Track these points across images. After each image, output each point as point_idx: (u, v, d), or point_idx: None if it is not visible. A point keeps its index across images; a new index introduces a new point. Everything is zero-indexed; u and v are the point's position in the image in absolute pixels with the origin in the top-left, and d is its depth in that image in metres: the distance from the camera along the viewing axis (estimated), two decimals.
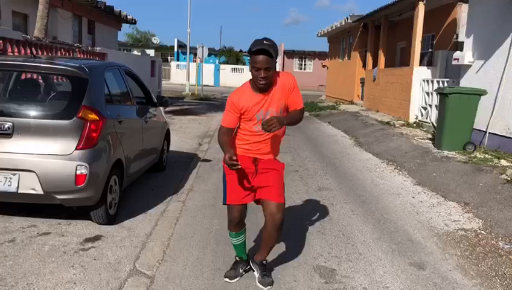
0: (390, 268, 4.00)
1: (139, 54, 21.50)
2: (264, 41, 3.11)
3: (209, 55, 35.85)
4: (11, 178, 4.20)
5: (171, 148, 7.82)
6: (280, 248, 4.23)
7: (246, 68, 42.88)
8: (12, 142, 4.21)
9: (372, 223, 5.17)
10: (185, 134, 11.27)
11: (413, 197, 6.30)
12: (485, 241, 4.70)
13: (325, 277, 3.76)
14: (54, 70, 4.76)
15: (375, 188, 6.76)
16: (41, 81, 5.06)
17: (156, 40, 44.95)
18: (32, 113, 4.38)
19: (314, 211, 5.53)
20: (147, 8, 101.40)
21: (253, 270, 3.64)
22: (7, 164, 4.19)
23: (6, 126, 4.18)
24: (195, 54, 31.34)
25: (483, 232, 4.96)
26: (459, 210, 5.73)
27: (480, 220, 5.30)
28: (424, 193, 6.55)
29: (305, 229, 4.86)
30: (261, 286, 3.50)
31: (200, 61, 28.05)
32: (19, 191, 4.20)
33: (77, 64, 4.67)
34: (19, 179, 4.19)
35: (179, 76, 38.47)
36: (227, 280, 3.57)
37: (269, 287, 3.50)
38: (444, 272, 3.96)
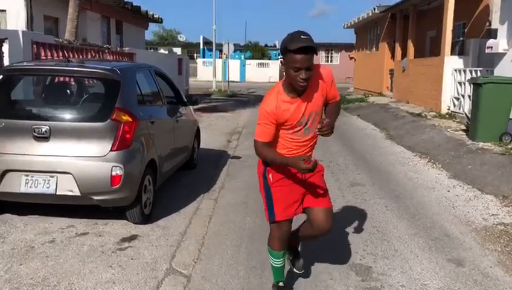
0: (427, 265, 3.92)
1: (167, 52, 21.72)
2: (302, 36, 2.65)
3: (235, 51, 35.86)
4: (49, 180, 4.31)
5: (201, 145, 7.88)
6: (315, 245, 4.20)
7: (272, 62, 42.81)
8: (50, 145, 4.32)
9: (407, 219, 5.08)
10: (214, 131, 11.33)
11: (448, 191, 6.16)
12: None
13: (361, 275, 3.72)
14: (87, 74, 4.86)
15: (408, 183, 6.64)
16: (74, 84, 5.17)
17: (182, 38, 45.39)
18: (68, 116, 4.49)
19: (347, 207, 5.47)
20: (172, 7, 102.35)
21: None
22: (45, 167, 4.30)
23: (43, 130, 4.29)
24: (220, 50, 31.46)
25: None
26: (497, 204, 5.57)
27: None
28: (460, 186, 6.39)
29: (339, 226, 4.80)
30: (296, 271, 3.42)
31: (226, 57, 28.12)
32: (57, 193, 4.31)
33: (109, 67, 4.75)
34: (56, 181, 4.30)
35: (206, 73, 38.68)
36: None
37: (300, 271, 3.42)
38: (485, 269, 3.86)
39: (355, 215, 5.16)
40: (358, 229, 4.72)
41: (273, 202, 3.04)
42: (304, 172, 2.85)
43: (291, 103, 2.84)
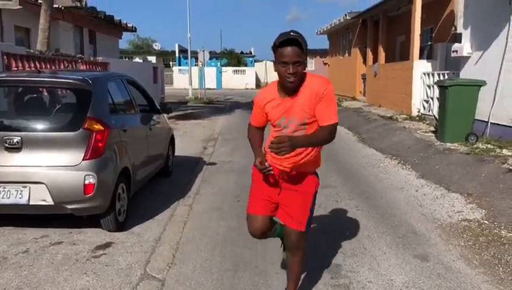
0: (394, 261, 4.08)
1: (141, 61, 21.65)
2: (292, 33, 2.67)
3: (211, 58, 35.98)
4: (22, 191, 4.33)
5: (177, 153, 7.94)
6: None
7: (248, 69, 43.09)
8: (22, 156, 4.34)
9: (376, 218, 5.25)
10: (190, 138, 11.38)
11: (416, 191, 6.38)
12: (488, 230, 4.77)
13: (330, 273, 3.85)
14: (59, 84, 4.90)
15: (379, 184, 6.84)
16: (46, 94, 5.20)
17: (157, 46, 45.20)
18: (40, 126, 4.51)
19: (319, 208, 5.59)
20: (147, 15, 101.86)
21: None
22: (17, 177, 4.32)
23: (15, 140, 4.32)
24: (196, 58, 31.48)
25: (486, 222, 5.03)
26: (462, 201, 5.80)
27: (483, 210, 5.37)
28: (428, 185, 6.62)
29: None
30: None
31: (202, 64, 28.18)
32: (30, 203, 4.33)
33: (80, 77, 4.80)
34: (29, 191, 4.32)
35: (182, 81, 38.62)
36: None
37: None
38: (448, 263, 4.04)
39: (327, 217, 5.32)
40: (329, 229, 4.87)
41: (250, 194, 3.14)
42: (259, 170, 2.87)
43: (277, 100, 2.82)
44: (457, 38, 10.53)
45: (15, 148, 4.33)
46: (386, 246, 4.42)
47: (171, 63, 44.55)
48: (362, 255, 4.22)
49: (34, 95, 5.14)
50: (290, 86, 2.72)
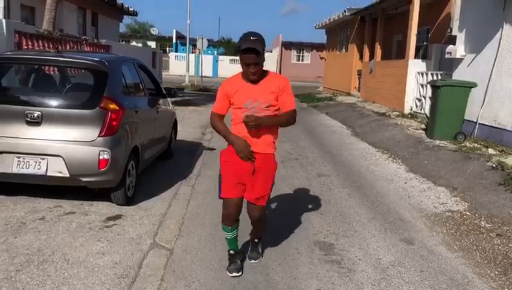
0: (382, 243, 4.47)
1: (140, 45, 21.79)
2: (251, 38, 3.22)
3: (208, 46, 36.14)
4: (40, 162, 4.64)
5: (177, 138, 8.25)
6: (284, 226, 4.71)
7: None
8: (41, 130, 4.64)
9: (367, 206, 5.64)
10: (188, 124, 11.69)
11: (405, 183, 6.77)
12: (469, 221, 5.18)
13: (324, 250, 4.23)
14: (77, 65, 5.19)
15: (370, 175, 7.23)
16: (64, 73, 5.48)
17: (154, 31, 45.16)
18: (59, 103, 4.81)
19: (314, 194, 5.99)
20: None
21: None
22: (37, 150, 4.62)
23: (35, 115, 4.61)
24: (194, 45, 31.64)
25: (468, 213, 5.44)
26: (447, 194, 6.20)
27: (466, 203, 5.78)
28: (416, 179, 7.02)
29: (306, 210, 5.33)
30: (250, 260, 3.90)
31: (199, 52, 28.36)
32: (47, 174, 4.64)
33: (98, 59, 5.09)
34: (47, 163, 4.63)
35: (178, 67, 38.77)
36: (234, 274, 3.62)
37: (255, 261, 3.89)
38: (431, 247, 4.44)
39: (321, 201, 5.69)
40: (323, 213, 5.25)
41: (221, 181, 3.55)
42: (240, 156, 3.40)
43: (242, 86, 3.40)
44: (452, 40, 10.91)
45: (35, 122, 4.62)
46: (375, 230, 4.81)
47: (167, 49, 44.59)
48: (353, 236, 4.61)
49: (53, 74, 5.42)
50: (252, 78, 3.36)
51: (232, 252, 3.73)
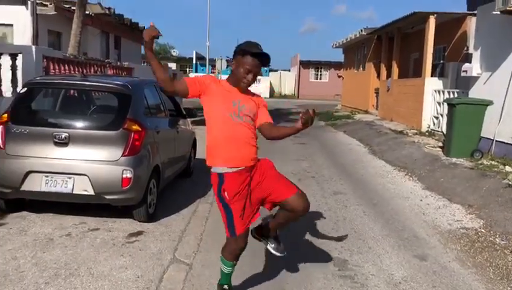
0: (396, 259, 4.56)
1: None
2: (259, 46, 3.17)
3: (227, 66, 36.75)
4: (67, 181, 4.90)
5: (196, 156, 8.47)
6: (300, 242, 4.85)
7: (263, 78, 43.60)
8: (68, 150, 4.92)
9: (381, 223, 5.73)
10: None
11: (421, 200, 6.84)
12: (483, 238, 5.23)
13: (338, 266, 4.35)
14: (102, 88, 5.49)
15: (386, 192, 7.31)
16: (89, 97, 5.79)
17: (175, 53, 46.11)
18: (84, 125, 5.10)
19: (329, 211, 6.11)
20: (165, 21, 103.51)
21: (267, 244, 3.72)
22: (64, 169, 4.89)
23: (63, 136, 4.90)
24: (213, 66, 32.19)
25: (482, 230, 5.48)
26: (462, 211, 6.25)
27: (481, 220, 5.82)
28: (432, 196, 7.08)
29: (321, 227, 5.45)
30: (277, 253, 3.67)
31: (219, 72, 28.85)
32: (73, 192, 4.90)
33: (122, 82, 5.38)
34: (73, 181, 4.89)
35: None
36: None
37: (282, 254, 3.66)
38: (444, 263, 4.51)
39: (336, 218, 5.80)
40: (338, 230, 5.36)
41: (234, 218, 3.25)
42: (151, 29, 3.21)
43: (231, 88, 3.23)
44: (469, 58, 10.99)
45: (63, 143, 4.91)
46: (389, 247, 4.90)
47: (187, 69, 45.40)
48: (367, 253, 4.71)
49: (79, 97, 5.73)
50: (243, 85, 3.21)
51: (225, 287, 3.52)
